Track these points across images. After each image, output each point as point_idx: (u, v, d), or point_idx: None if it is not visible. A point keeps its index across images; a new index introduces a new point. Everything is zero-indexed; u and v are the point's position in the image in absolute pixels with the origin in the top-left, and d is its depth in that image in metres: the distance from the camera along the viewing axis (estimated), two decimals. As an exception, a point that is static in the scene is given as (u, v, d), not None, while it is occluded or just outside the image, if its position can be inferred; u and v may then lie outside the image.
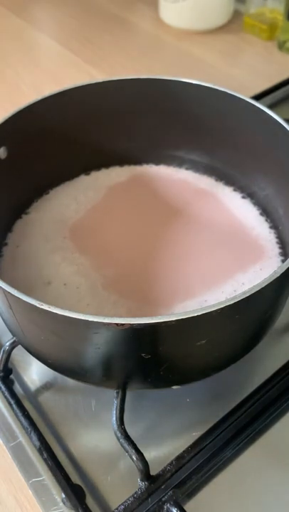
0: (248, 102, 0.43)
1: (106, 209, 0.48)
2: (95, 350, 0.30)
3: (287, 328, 0.44)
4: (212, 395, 0.40)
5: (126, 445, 0.34)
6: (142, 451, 0.34)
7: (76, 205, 0.49)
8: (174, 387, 0.35)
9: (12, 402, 0.39)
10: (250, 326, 0.35)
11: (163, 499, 0.34)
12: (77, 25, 0.87)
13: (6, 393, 0.40)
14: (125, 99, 0.48)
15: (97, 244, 0.45)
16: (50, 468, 0.36)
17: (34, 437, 0.37)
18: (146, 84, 0.47)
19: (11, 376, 0.42)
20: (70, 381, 0.40)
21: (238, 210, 0.48)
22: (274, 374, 0.40)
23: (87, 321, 0.27)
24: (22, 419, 0.38)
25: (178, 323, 0.27)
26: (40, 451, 0.37)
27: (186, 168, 0.52)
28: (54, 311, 0.27)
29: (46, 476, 0.36)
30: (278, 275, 0.29)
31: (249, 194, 0.49)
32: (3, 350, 0.40)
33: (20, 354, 0.41)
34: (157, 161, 0.53)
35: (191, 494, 0.35)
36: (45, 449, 0.36)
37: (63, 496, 0.34)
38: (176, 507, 0.33)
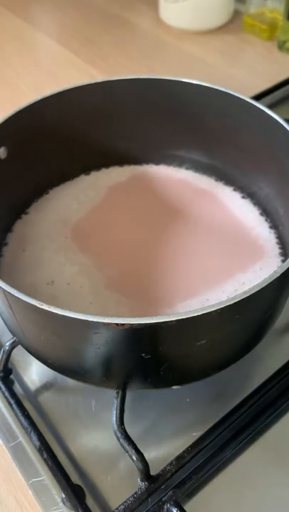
0: (248, 102, 0.43)
1: (107, 209, 0.48)
2: (95, 350, 0.30)
3: (287, 328, 0.44)
4: (212, 395, 0.40)
5: (126, 445, 0.34)
6: (142, 451, 0.34)
7: (77, 205, 0.49)
8: (174, 387, 0.35)
9: (12, 402, 0.39)
10: (250, 326, 0.35)
11: (163, 499, 0.34)
12: (77, 25, 0.87)
13: (6, 393, 0.40)
14: (125, 99, 0.48)
15: (99, 244, 0.45)
16: (50, 468, 0.36)
17: (34, 437, 0.37)
18: (146, 84, 0.47)
19: (11, 376, 0.42)
20: (70, 381, 0.40)
21: (238, 210, 0.48)
22: (274, 374, 0.40)
23: (87, 321, 0.27)
24: (22, 419, 0.38)
25: (178, 323, 0.27)
26: (40, 451, 0.37)
27: (186, 168, 0.52)
28: (54, 311, 0.27)
29: (46, 476, 0.36)
30: (278, 275, 0.29)
31: (249, 194, 0.49)
32: (3, 350, 0.40)
33: (20, 354, 0.41)
34: (157, 161, 0.53)
35: (191, 494, 0.35)
36: (45, 449, 0.36)
37: (63, 495, 0.34)
38: (176, 507, 0.33)
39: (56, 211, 0.48)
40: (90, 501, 0.35)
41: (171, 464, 0.35)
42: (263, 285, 0.28)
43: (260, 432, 0.38)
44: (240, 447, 0.37)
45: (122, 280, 0.42)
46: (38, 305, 0.28)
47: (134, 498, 0.34)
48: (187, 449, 0.36)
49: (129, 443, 0.34)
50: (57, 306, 0.39)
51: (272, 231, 0.46)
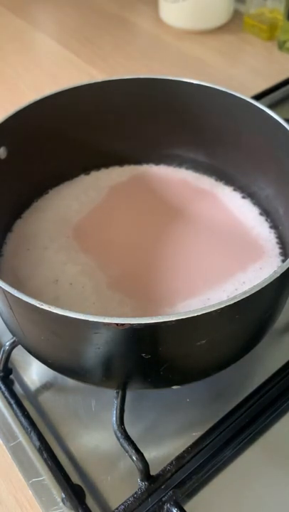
0: (248, 101, 0.43)
1: (107, 209, 0.48)
2: (95, 350, 0.30)
3: (287, 328, 0.44)
4: (212, 395, 0.40)
5: (126, 445, 0.34)
6: (142, 451, 0.34)
7: (78, 205, 0.49)
8: (174, 387, 0.35)
9: (12, 402, 0.39)
10: (250, 326, 0.35)
11: (163, 499, 0.34)
12: (77, 25, 0.87)
13: (6, 393, 0.40)
14: (125, 99, 0.48)
15: (100, 244, 0.45)
16: (50, 469, 0.36)
17: (34, 437, 0.37)
18: (146, 84, 0.47)
19: (11, 376, 0.42)
20: (70, 381, 0.40)
21: (238, 209, 0.48)
22: (274, 374, 0.40)
23: (87, 321, 0.27)
24: (22, 419, 0.38)
25: (178, 323, 0.27)
26: (40, 451, 0.37)
27: (186, 168, 0.52)
28: (54, 311, 0.27)
29: (46, 476, 0.36)
30: (278, 275, 0.29)
31: (249, 194, 0.49)
32: (3, 350, 0.40)
33: (20, 354, 0.41)
34: (157, 161, 0.53)
35: (191, 494, 0.35)
36: (45, 449, 0.36)
37: (63, 495, 0.34)
38: (176, 507, 0.33)
39: (56, 211, 0.48)
40: (90, 501, 0.35)
41: (171, 464, 0.35)
42: (263, 285, 0.28)
43: (260, 432, 0.38)
44: (240, 447, 0.37)
45: (124, 280, 0.42)
46: (38, 305, 0.28)
47: (134, 498, 0.34)
48: (187, 449, 0.36)
49: (129, 443, 0.34)
50: (60, 305, 0.39)
51: (273, 231, 0.46)
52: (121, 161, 0.52)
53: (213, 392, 0.40)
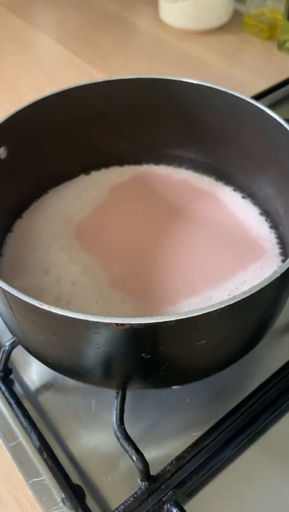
0: (248, 101, 0.43)
1: (108, 209, 0.49)
2: (94, 350, 0.30)
3: (287, 328, 0.44)
4: (212, 395, 0.40)
5: (126, 445, 0.34)
6: (142, 451, 0.34)
7: (79, 205, 0.49)
8: (174, 387, 0.35)
9: (12, 402, 0.39)
10: (250, 326, 0.35)
11: (163, 499, 0.34)
12: (77, 25, 0.87)
13: (6, 393, 0.40)
14: (125, 99, 0.48)
15: (102, 244, 0.45)
16: (50, 469, 0.36)
17: (34, 437, 0.37)
18: (146, 84, 0.47)
19: (11, 376, 0.42)
20: (70, 381, 0.40)
21: (238, 209, 0.48)
22: (274, 374, 0.40)
23: (87, 321, 0.27)
24: (22, 419, 0.38)
25: (178, 323, 0.27)
26: (40, 451, 0.37)
27: (186, 168, 0.52)
28: (54, 311, 0.27)
29: (46, 476, 0.36)
30: (278, 275, 0.29)
31: (249, 194, 0.49)
32: (3, 350, 0.40)
33: (20, 354, 0.41)
34: (157, 161, 0.53)
35: (191, 494, 0.35)
36: (45, 449, 0.36)
37: (63, 495, 0.34)
38: (176, 507, 0.33)
39: (57, 211, 0.48)
40: (90, 501, 0.35)
41: (171, 464, 0.35)
42: (263, 285, 0.28)
43: (260, 432, 0.38)
44: (240, 447, 0.37)
45: (126, 279, 0.42)
46: (38, 305, 0.28)
47: (134, 498, 0.34)
48: (187, 449, 0.36)
49: (129, 443, 0.34)
50: (63, 305, 0.39)
51: (273, 231, 0.46)
52: (121, 161, 0.52)
53: (213, 392, 0.40)
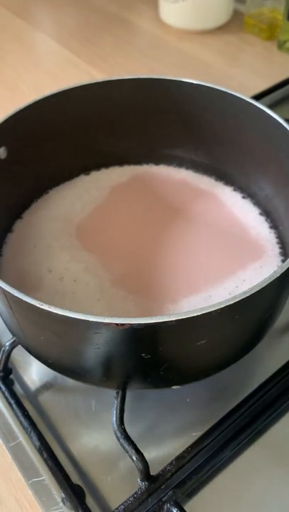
0: (248, 101, 0.43)
1: (109, 209, 0.49)
2: (95, 350, 0.30)
3: (287, 328, 0.44)
4: (212, 395, 0.40)
5: (126, 445, 0.34)
6: (142, 451, 0.34)
7: (80, 204, 0.49)
8: (174, 387, 0.35)
9: (12, 402, 0.39)
10: (250, 326, 0.35)
11: (163, 499, 0.34)
12: (77, 25, 0.87)
13: (6, 393, 0.40)
14: (125, 99, 0.48)
15: (103, 243, 0.45)
16: (50, 468, 0.36)
17: (34, 437, 0.37)
18: (146, 84, 0.47)
19: (11, 376, 0.42)
20: (70, 381, 0.40)
21: (238, 209, 0.48)
22: (274, 374, 0.40)
23: (87, 321, 0.27)
24: (22, 419, 0.38)
25: (178, 323, 0.27)
26: (40, 451, 0.37)
27: (186, 168, 0.52)
28: (54, 311, 0.27)
29: (46, 476, 0.36)
30: (278, 275, 0.29)
31: (249, 194, 0.49)
32: (3, 350, 0.40)
33: (20, 354, 0.41)
34: (157, 161, 0.53)
35: (191, 494, 0.35)
36: (45, 449, 0.36)
37: (63, 495, 0.34)
38: (176, 507, 0.33)
39: (57, 211, 0.48)
40: (90, 501, 0.35)
41: (171, 464, 0.35)
42: (263, 285, 0.28)
43: (260, 432, 0.38)
44: (240, 447, 0.37)
45: (127, 277, 0.42)
46: (38, 305, 0.28)
47: (134, 498, 0.34)
48: (187, 449, 0.36)
49: (129, 443, 0.34)
50: (66, 302, 0.39)
51: (273, 231, 0.46)
52: (121, 161, 0.52)
53: (213, 392, 0.40)
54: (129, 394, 0.36)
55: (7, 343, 0.40)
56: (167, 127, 0.50)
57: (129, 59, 0.78)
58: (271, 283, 0.29)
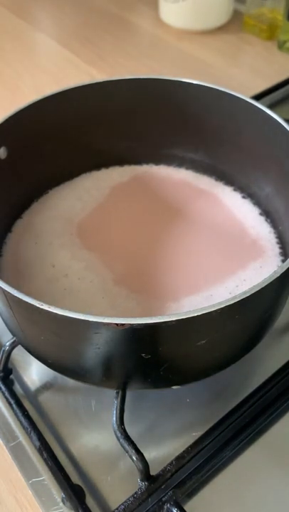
0: (248, 101, 0.43)
1: (110, 209, 0.49)
2: (95, 350, 0.30)
3: (287, 328, 0.44)
4: (212, 395, 0.40)
5: (126, 445, 0.34)
6: (142, 451, 0.34)
7: (81, 204, 0.49)
8: (174, 387, 0.35)
9: (12, 402, 0.39)
10: (250, 326, 0.35)
11: (163, 499, 0.34)
12: (77, 25, 0.87)
13: (6, 393, 0.40)
14: (125, 99, 0.48)
15: (103, 242, 0.45)
16: (50, 468, 0.36)
17: (34, 437, 0.37)
18: (146, 84, 0.47)
19: (11, 376, 0.42)
20: (70, 381, 0.40)
21: (238, 209, 0.48)
22: (274, 374, 0.40)
23: (87, 321, 0.27)
24: (22, 419, 0.38)
25: (178, 323, 0.27)
26: (40, 451, 0.37)
27: (186, 168, 0.52)
28: (54, 311, 0.27)
29: (46, 476, 0.36)
30: (278, 275, 0.29)
31: (249, 194, 0.49)
32: (3, 350, 0.40)
33: (20, 354, 0.41)
34: (157, 161, 0.53)
35: (191, 494, 0.35)
36: (45, 449, 0.36)
37: (63, 495, 0.34)
38: (176, 507, 0.33)
39: (57, 211, 0.48)
40: (90, 501, 0.35)
41: (171, 464, 0.35)
42: (263, 285, 0.28)
43: (260, 432, 0.38)
44: (240, 447, 0.37)
45: (128, 276, 0.43)
46: (38, 305, 0.28)
47: (134, 498, 0.34)
48: (187, 449, 0.36)
49: (129, 443, 0.34)
50: (72, 301, 0.39)
51: (273, 231, 0.46)
52: (121, 161, 0.52)
53: (213, 392, 0.40)
54: (129, 394, 0.36)
55: (7, 343, 0.40)
56: (167, 127, 0.50)
57: (129, 59, 0.78)
58: (271, 283, 0.29)
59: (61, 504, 0.34)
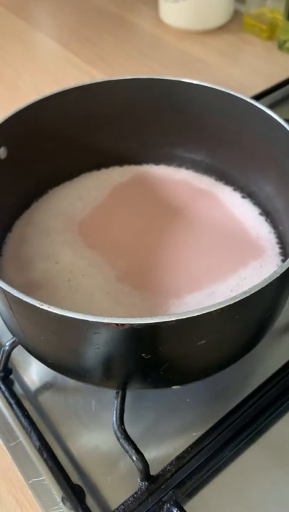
0: (248, 101, 0.43)
1: (110, 208, 0.49)
2: (94, 350, 0.30)
3: (287, 328, 0.44)
4: (212, 395, 0.40)
5: (126, 445, 0.34)
6: (142, 451, 0.34)
7: (81, 204, 0.49)
8: (174, 387, 0.35)
9: (12, 402, 0.39)
10: (250, 326, 0.35)
11: (163, 499, 0.34)
12: (77, 25, 0.87)
13: (6, 393, 0.40)
14: (125, 99, 0.48)
15: (104, 241, 0.46)
16: (50, 468, 0.36)
17: (34, 437, 0.37)
18: (146, 84, 0.47)
19: (11, 376, 0.42)
20: (70, 381, 0.40)
21: (238, 209, 0.48)
22: (274, 374, 0.40)
23: (87, 321, 0.27)
24: (22, 419, 0.38)
25: (178, 323, 0.27)
26: (40, 451, 0.37)
27: (186, 168, 0.52)
28: (54, 311, 0.27)
29: (46, 476, 0.36)
30: (278, 275, 0.29)
31: (249, 194, 0.49)
32: (3, 350, 0.40)
33: (20, 354, 0.41)
34: (157, 161, 0.53)
35: (191, 494, 0.35)
36: (45, 449, 0.36)
37: (63, 495, 0.34)
38: (176, 507, 0.33)
39: (57, 211, 0.48)
40: (90, 501, 0.35)
41: (171, 464, 0.35)
42: (263, 285, 0.28)
43: (260, 432, 0.38)
44: (240, 447, 0.37)
45: (131, 274, 0.43)
46: (38, 305, 0.28)
47: (134, 498, 0.34)
48: (187, 449, 0.36)
49: (129, 443, 0.34)
50: (77, 297, 0.39)
51: (273, 231, 0.46)
52: (121, 161, 0.52)
53: (213, 392, 0.40)
54: (129, 394, 0.36)
55: (7, 343, 0.40)
56: (167, 127, 0.50)
57: (129, 59, 0.78)
58: (271, 283, 0.29)
59: (61, 504, 0.34)
